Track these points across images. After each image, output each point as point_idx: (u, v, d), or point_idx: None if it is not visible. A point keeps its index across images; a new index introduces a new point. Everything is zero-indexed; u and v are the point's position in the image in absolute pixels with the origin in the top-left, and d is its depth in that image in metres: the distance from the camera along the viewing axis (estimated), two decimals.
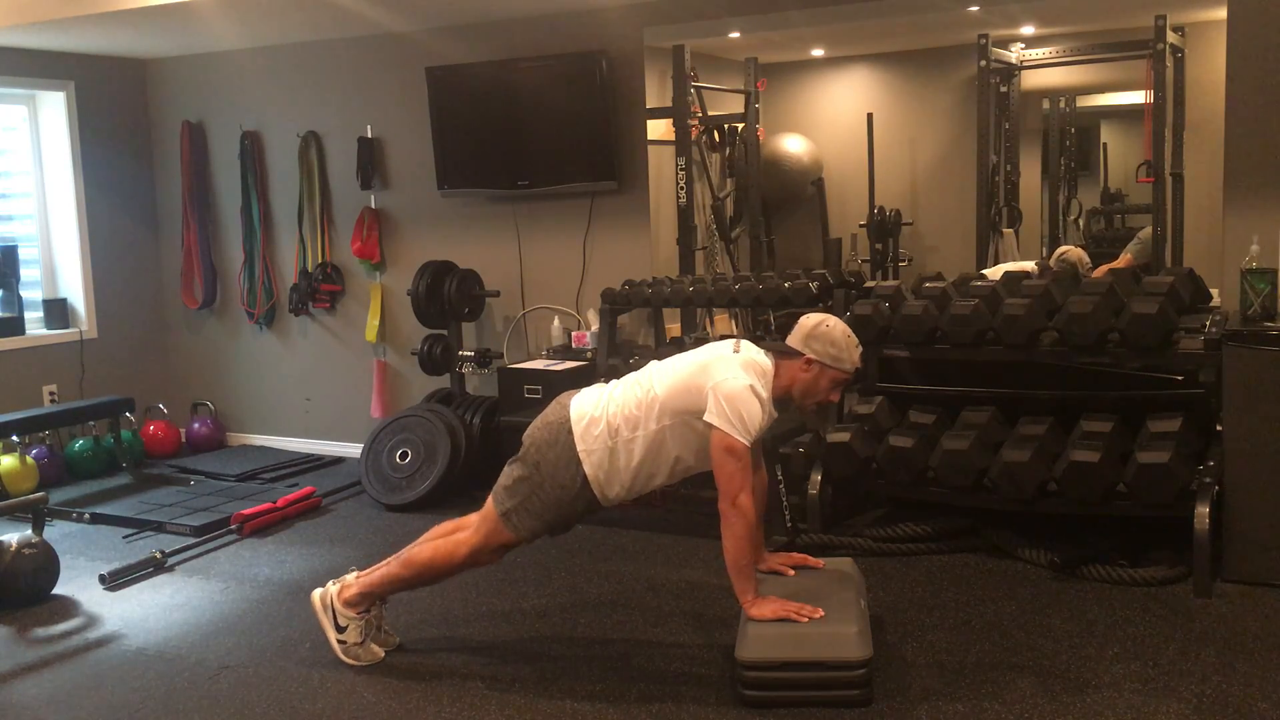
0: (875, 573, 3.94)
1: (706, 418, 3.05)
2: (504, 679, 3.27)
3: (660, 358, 3.38)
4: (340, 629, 3.38)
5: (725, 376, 3.06)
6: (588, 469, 3.15)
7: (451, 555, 3.32)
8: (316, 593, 3.45)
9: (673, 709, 3.03)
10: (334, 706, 3.14)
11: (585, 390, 3.31)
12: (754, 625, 3.06)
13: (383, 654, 3.42)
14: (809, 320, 3.22)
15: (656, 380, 3.19)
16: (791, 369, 3.18)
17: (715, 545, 4.35)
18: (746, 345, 3.21)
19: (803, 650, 2.98)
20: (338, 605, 3.38)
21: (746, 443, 3.03)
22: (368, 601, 3.39)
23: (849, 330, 3.22)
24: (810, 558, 3.43)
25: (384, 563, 3.43)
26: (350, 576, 3.44)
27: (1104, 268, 5.01)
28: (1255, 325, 3.79)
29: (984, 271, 4.94)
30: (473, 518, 3.35)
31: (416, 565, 3.34)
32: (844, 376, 3.21)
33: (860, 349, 3.24)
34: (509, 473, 3.28)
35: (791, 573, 3.32)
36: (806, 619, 3.01)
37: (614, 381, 3.32)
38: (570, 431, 3.17)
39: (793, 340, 3.20)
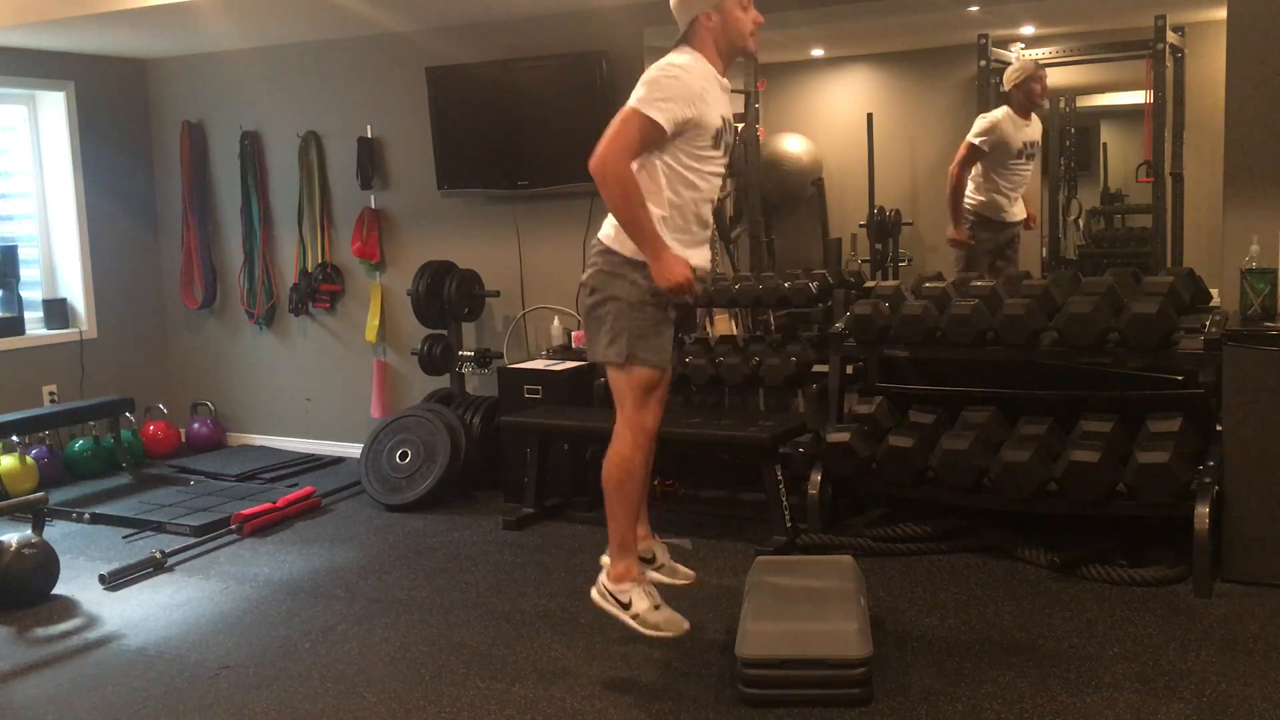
0: (875, 573, 3.93)
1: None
2: (504, 679, 3.27)
3: None
4: (625, 605, 3.18)
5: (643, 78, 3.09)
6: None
7: (621, 453, 3.16)
8: (593, 591, 3.28)
9: (673, 709, 3.03)
10: (334, 706, 3.14)
11: None
12: (754, 623, 3.06)
13: (686, 624, 3.15)
14: None
15: None
16: (703, 36, 3.17)
17: (715, 545, 4.38)
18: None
19: (803, 648, 2.98)
20: (611, 586, 3.22)
21: (650, 113, 3.00)
22: (627, 560, 3.21)
23: None
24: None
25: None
26: (604, 559, 3.32)
27: None
28: (1255, 325, 3.79)
29: None
30: (618, 422, 3.20)
31: (610, 489, 3.19)
32: None
33: None
34: (596, 337, 3.18)
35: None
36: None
37: None
38: (606, 251, 3.14)
39: (680, 17, 3.19)
